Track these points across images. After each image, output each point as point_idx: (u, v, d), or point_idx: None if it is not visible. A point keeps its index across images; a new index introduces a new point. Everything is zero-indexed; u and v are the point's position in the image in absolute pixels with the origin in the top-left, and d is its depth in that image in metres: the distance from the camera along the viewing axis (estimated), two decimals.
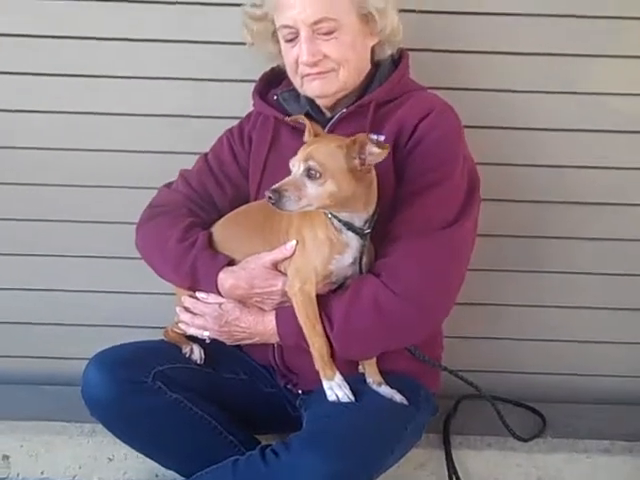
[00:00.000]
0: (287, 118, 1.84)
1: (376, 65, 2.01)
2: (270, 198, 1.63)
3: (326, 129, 1.95)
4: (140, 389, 1.87)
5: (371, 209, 1.77)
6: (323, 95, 1.95)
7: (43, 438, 2.27)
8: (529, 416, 2.41)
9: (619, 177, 2.46)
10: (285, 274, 1.85)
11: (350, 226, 1.76)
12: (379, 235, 1.82)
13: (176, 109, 2.45)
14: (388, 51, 2.00)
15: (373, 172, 1.75)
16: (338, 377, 1.80)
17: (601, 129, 2.43)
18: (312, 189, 1.65)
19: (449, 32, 2.37)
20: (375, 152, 1.66)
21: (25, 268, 2.59)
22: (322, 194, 1.66)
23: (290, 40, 1.91)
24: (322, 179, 1.65)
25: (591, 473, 2.23)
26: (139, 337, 2.04)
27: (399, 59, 2.02)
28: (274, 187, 1.64)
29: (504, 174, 2.44)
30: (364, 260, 1.81)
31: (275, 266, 1.86)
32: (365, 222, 1.77)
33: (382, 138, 1.88)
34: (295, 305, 1.80)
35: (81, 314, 2.60)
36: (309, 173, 1.65)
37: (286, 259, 1.83)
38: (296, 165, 1.68)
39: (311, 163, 1.65)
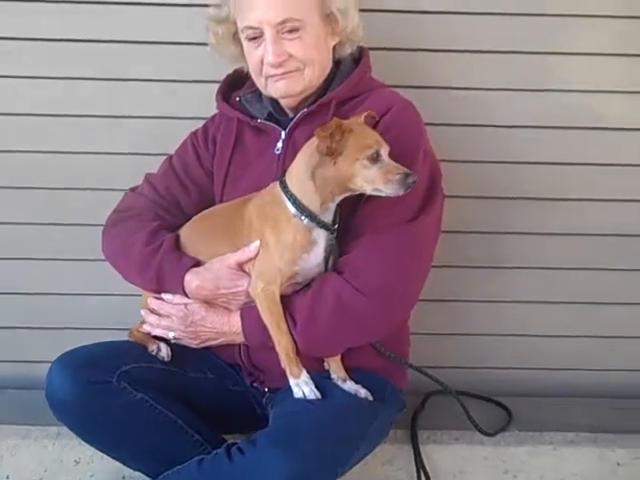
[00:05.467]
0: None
1: (337, 63, 2.02)
2: (414, 182, 1.69)
3: (287, 128, 1.97)
4: (105, 390, 1.86)
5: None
6: (288, 95, 1.96)
7: (7, 442, 2.23)
8: (495, 410, 2.44)
9: (581, 173, 2.50)
10: (250, 274, 1.85)
11: (320, 222, 1.77)
12: (342, 233, 1.83)
13: (141, 110, 2.44)
14: (348, 49, 2.02)
15: None
16: (304, 375, 1.80)
17: (562, 126, 2.46)
18: None
19: (411, 31, 2.39)
20: None
21: None
22: None
23: (253, 39, 1.91)
24: None
25: (557, 464, 2.25)
26: (103, 339, 2.02)
27: (359, 57, 2.04)
28: (411, 173, 1.69)
29: (469, 171, 2.47)
30: (330, 261, 1.82)
31: (240, 267, 1.86)
32: (332, 215, 1.79)
33: None
34: (259, 305, 1.81)
35: (44, 317, 2.59)
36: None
37: (250, 260, 1.84)
38: (383, 153, 1.72)
39: (387, 146, 1.73)
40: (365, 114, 1.79)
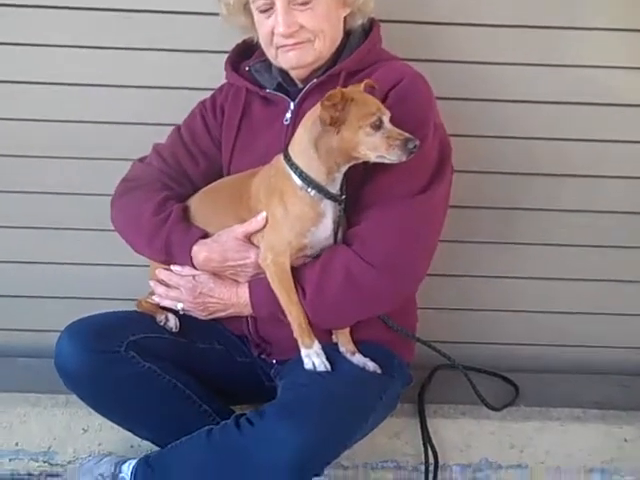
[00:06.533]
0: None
1: (347, 34, 2.00)
2: (415, 147, 1.67)
3: (297, 99, 1.96)
4: (113, 359, 1.86)
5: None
6: (299, 66, 1.94)
7: (17, 410, 2.25)
8: (502, 385, 2.43)
9: (592, 149, 2.47)
10: (258, 246, 1.85)
11: (328, 193, 1.76)
12: (349, 205, 1.82)
13: (149, 80, 2.43)
14: (359, 21, 2.00)
15: None
16: (316, 345, 1.80)
17: (575, 101, 2.43)
18: None
19: (424, 3, 2.35)
20: None
21: None
22: None
23: (264, 11, 1.89)
24: None
25: (564, 440, 2.26)
26: (112, 309, 2.03)
27: (370, 29, 2.01)
28: (412, 137, 1.67)
29: (480, 146, 2.44)
30: (339, 234, 1.82)
31: (248, 238, 1.86)
32: (339, 186, 1.78)
33: None
34: (269, 276, 1.80)
35: (54, 286, 2.58)
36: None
37: (258, 231, 1.83)
38: (385, 119, 1.69)
39: (388, 113, 1.72)
40: (365, 82, 1.76)
